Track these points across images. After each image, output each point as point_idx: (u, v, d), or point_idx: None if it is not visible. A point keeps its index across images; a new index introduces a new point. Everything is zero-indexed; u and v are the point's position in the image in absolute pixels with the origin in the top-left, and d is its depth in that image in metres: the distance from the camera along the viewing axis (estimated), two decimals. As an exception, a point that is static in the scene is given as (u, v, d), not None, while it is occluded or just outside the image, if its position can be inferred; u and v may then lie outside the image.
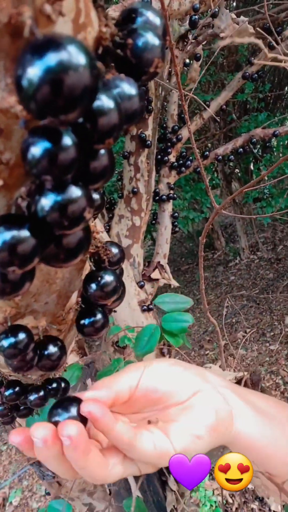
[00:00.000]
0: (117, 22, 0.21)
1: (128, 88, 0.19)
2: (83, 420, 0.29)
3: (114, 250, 0.34)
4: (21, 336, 0.27)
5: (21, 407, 0.53)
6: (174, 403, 0.36)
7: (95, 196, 0.31)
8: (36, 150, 0.15)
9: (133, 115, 0.19)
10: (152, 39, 0.19)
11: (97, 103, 0.17)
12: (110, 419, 0.29)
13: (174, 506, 1.04)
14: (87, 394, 0.32)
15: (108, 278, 0.30)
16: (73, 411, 0.30)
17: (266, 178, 3.39)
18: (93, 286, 0.29)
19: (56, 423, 0.29)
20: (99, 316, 0.32)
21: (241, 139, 1.47)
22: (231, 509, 2.32)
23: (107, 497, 1.02)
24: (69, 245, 0.20)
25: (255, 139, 1.45)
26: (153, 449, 0.31)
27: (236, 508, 2.33)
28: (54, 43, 0.13)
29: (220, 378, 0.40)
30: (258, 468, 0.40)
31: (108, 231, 1.39)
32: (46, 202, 0.17)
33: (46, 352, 0.32)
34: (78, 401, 0.31)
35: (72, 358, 1.23)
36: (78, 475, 0.30)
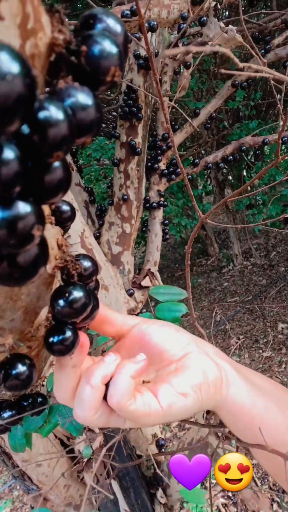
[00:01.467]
0: (75, 28, 0.20)
1: (83, 97, 0.18)
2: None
3: (86, 264, 0.33)
4: (-17, 356, 0.26)
5: (-2, 424, 0.51)
6: (165, 361, 0.37)
7: (65, 207, 0.30)
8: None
9: (89, 126, 0.18)
10: (108, 46, 0.18)
11: (44, 114, 0.16)
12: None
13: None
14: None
15: (77, 294, 0.28)
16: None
17: (256, 185, 3.40)
18: (60, 302, 0.28)
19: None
20: (68, 333, 0.31)
21: (231, 147, 1.47)
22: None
23: (94, 510, 1.00)
24: (23, 263, 0.19)
25: (245, 147, 1.45)
26: (143, 408, 0.32)
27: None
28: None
29: (214, 349, 0.42)
30: (248, 441, 0.41)
31: (98, 238, 1.38)
32: (-10, 219, 0.16)
33: (13, 372, 0.30)
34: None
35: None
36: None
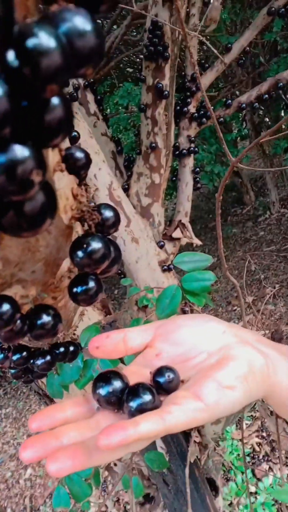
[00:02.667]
0: None
1: (80, 21, 0.16)
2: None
3: (108, 214, 0.32)
4: (5, 307, 0.26)
5: (35, 370, 0.54)
6: (202, 355, 0.35)
7: (79, 154, 0.28)
8: None
9: (88, 55, 0.16)
10: None
11: (33, 42, 0.14)
12: (132, 433, 0.25)
13: (197, 456, 1.08)
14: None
15: (95, 244, 0.27)
16: (117, 384, 0.30)
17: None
18: (79, 253, 0.27)
19: (99, 398, 0.30)
20: (91, 283, 0.30)
21: (266, 84, 1.35)
22: (258, 456, 2.40)
23: (129, 454, 1.06)
24: (29, 212, 0.18)
25: (282, 83, 1.33)
26: (185, 419, 0.29)
27: (263, 456, 2.42)
28: None
29: (256, 335, 0.39)
30: None
31: (127, 190, 1.35)
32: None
33: (38, 322, 0.31)
34: (121, 377, 0.31)
35: (96, 316, 1.25)
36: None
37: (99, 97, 1.40)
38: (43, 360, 0.43)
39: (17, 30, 0.14)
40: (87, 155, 0.28)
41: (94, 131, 1.32)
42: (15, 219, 0.18)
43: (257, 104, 1.43)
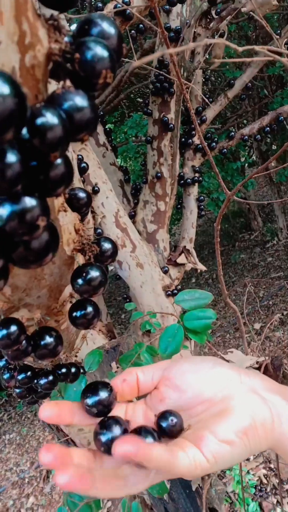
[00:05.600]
0: (73, 34, 0.22)
1: (79, 100, 0.20)
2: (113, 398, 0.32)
3: (106, 245, 0.36)
4: (13, 328, 0.30)
5: (39, 389, 0.56)
6: (205, 403, 0.35)
7: (81, 194, 0.32)
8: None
9: (85, 125, 0.20)
10: (100, 51, 0.20)
11: (40, 120, 0.18)
12: (145, 449, 0.27)
13: (199, 484, 1.07)
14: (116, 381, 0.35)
15: (94, 273, 0.31)
16: (103, 394, 0.32)
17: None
18: (79, 281, 0.31)
19: (88, 406, 0.31)
20: (89, 309, 0.34)
21: (267, 118, 1.41)
22: (265, 489, 2.33)
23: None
24: (35, 248, 0.22)
25: (282, 117, 1.39)
26: (189, 465, 0.29)
27: (271, 488, 2.35)
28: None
29: (258, 378, 0.38)
30: None
31: (133, 217, 1.40)
32: (1, 212, 0.19)
33: (42, 342, 0.34)
34: (108, 386, 0.33)
35: (101, 340, 1.28)
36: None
37: (108, 129, 1.47)
38: (46, 380, 0.46)
39: (30, 112, 0.18)
40: (88, 195, 0.33)
41: (103, 161, 1.39)
42: (23, 254, 0.22)
43: (259, 136, 1.49)
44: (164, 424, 0.32)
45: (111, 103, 2.12)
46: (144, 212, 1.41)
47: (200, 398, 0.35)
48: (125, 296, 1.50)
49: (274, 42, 1.43)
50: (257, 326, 3.67)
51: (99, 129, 1.42)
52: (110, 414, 0.33)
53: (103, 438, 0.31)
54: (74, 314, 0.34)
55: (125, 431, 0.31)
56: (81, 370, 0.82)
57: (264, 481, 2.37)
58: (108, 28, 0.21)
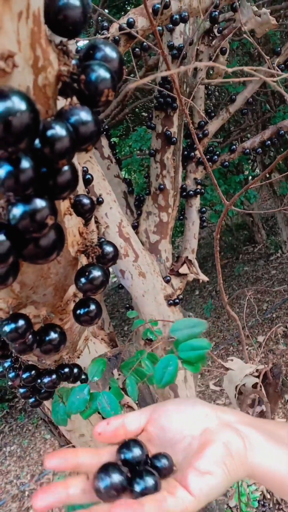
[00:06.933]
0: (79, 58, 0.25)
1: (84, 115, 0.23)
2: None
3: (108, 249, 0.38)
4: (21, 322, 0.32)
5: (42, 390, 0.58)
6: (187, 440, 0.37)
7: (85, 201, 0.35)
8: (1, 172, 0.20)
9: (89, 137, 0.23)
10: (103, 73, 0.23)
11: (51, 132, 0.21)
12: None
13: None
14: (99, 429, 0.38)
15: (96, 273, 0.34)
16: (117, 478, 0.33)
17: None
18: (82, 280, 0.33)
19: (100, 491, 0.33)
20: (92, 307, 0.36)
21: (268, 132, 1.45)
22: (268, 504, 2.30)
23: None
24: (44, 245, 0.25)
25: (283, 131, 1.42)
26: (180, 509, 0.32)
27: (274, 504, 2.31)
28: (1, 95, 0.17)
29: (233, 414, 0.40)
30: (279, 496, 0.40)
31: (136, 227, 1.43)
32: (15, 211, 0.22)
33: (47, 338, 0.36)
34: (122, 471, 0.34)
35: (102, 349, 1.29)
36: None
37: (113, 142, 1.52)
38: (49, 379, 0.48)
39: (42, 125, 0.21)
40: (92, 202, 0.35)
41: (107, 173, 1.43)
42: (33, 250, 0.25)
43: (260, 149, 1.53)
44: (158, 465, 0.35)
45: (116, 117, 2.17)
46: (147, 223, 1.44)
47: (182, 435, 0.38)
48: (128, 305, 1.52)
49: (275, 58, 1.48)
50: (260, 339, 3.66)
51: (104, 142, 1.47)
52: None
53: (102, 486, 0.33)
54: (78, 311, 0.36)
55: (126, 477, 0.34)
56: (84, 376, 0.84)
57: (267, 495, 2.34)
58: (110, 53, 0.24)
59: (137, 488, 0.33)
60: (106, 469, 0.33)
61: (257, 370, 0.91)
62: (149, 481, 0.33)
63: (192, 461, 0.35)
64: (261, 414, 0.86)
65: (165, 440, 0.38)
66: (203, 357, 0.71)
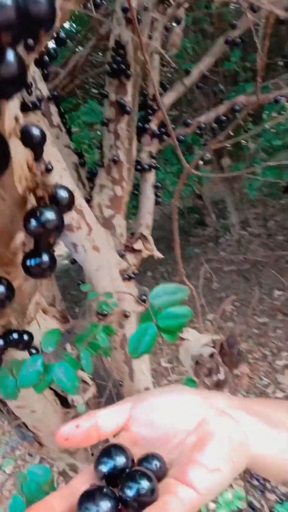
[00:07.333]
0: None
1: None
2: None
3: (62, 193, 0.34)
4: None
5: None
6: (180, 434, 0.34)
7: (35, 131, 0.30)
8: None
9: (41, 19, 0.18)
10: None
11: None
12: None
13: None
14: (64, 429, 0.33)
15: (49, 214, 0.29)
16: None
17: (254, 153, 3.36)
18: (32, 221, 0.29)
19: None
20: (45, 257, 0.32)
21: (223, 107, 1.44)
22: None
23: (90, 458, 1.05)
24: None
25: (238, 107, 1.42)
26: (185, 510, 0.28)
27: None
28: None
29: (223, 397, 0.37)
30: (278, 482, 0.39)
31: (89, 201, 1.37)
32: None
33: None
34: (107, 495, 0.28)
35: (53, 325, 1.24)
36: None
37: (62, 110, 1.43)
38: (-4, 345, 0.43)
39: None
40: (42, 133, 0.31)
41: (56, 142, 1.34)
42: None
43: (216, 125, 1.52)
44: (149, 468, 0.31)
45: (65, 87, 2.06)
46: (100, 197, 1.38)
47: (175, 431, 0.34)
48: (80, 281, 1.47)
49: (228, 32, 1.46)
50: (210, 317, 3.77)
51: (53, 109, 1.38)
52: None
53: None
54: (29, 263, 0.32)
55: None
56: (34, 351, 0.79)
57: (257, 505, 2.34)
58: None
59: (133, 504, 0.28)
60: (87, 499, 0.28)
61: (213, 341, 0.92)
62: (143, 490, 0.28)
63: (193, 456, 0.31)
64: (217, 383, 0.87)
65: (153, 439, 0.34)
66: (184, 325, 0.67)
